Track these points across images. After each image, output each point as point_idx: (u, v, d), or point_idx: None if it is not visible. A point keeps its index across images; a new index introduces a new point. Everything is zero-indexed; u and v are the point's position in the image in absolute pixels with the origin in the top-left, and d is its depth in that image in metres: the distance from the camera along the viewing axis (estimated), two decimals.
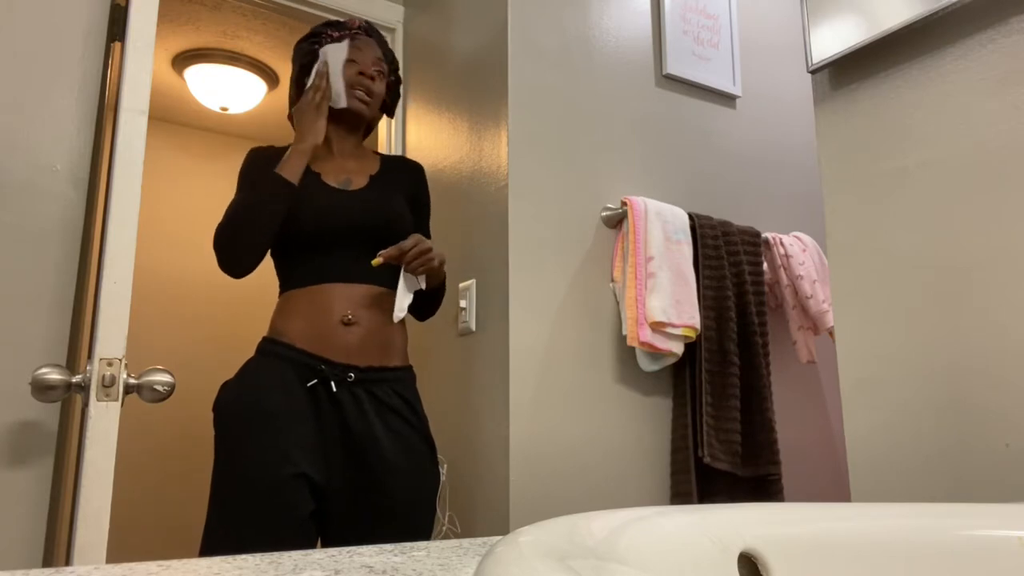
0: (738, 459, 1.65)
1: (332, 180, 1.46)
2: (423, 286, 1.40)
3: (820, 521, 0.49)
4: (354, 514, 1.31)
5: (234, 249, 1.36)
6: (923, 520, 0.50)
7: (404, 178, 1.54)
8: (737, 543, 0.45)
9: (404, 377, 1.42)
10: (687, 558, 0.41)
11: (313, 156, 1.50)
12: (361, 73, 1.49)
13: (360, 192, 1.45)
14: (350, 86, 1.48)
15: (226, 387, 1.37)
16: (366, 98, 1.49)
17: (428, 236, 1.57)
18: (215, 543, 1.24)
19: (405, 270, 1.37)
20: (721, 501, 1.65)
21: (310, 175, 1.45)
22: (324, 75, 1.47)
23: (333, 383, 1.33)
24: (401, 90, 1.64)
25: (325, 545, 1.31)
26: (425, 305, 1.53)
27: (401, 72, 2.15)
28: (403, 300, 1.38)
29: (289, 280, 1.43)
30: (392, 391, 1.38)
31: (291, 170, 1.39)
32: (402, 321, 1.46)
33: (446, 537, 1.61)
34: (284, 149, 1.52)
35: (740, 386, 1.71)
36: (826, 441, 2.00)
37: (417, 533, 1.35)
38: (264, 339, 1.41)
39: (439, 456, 1.44)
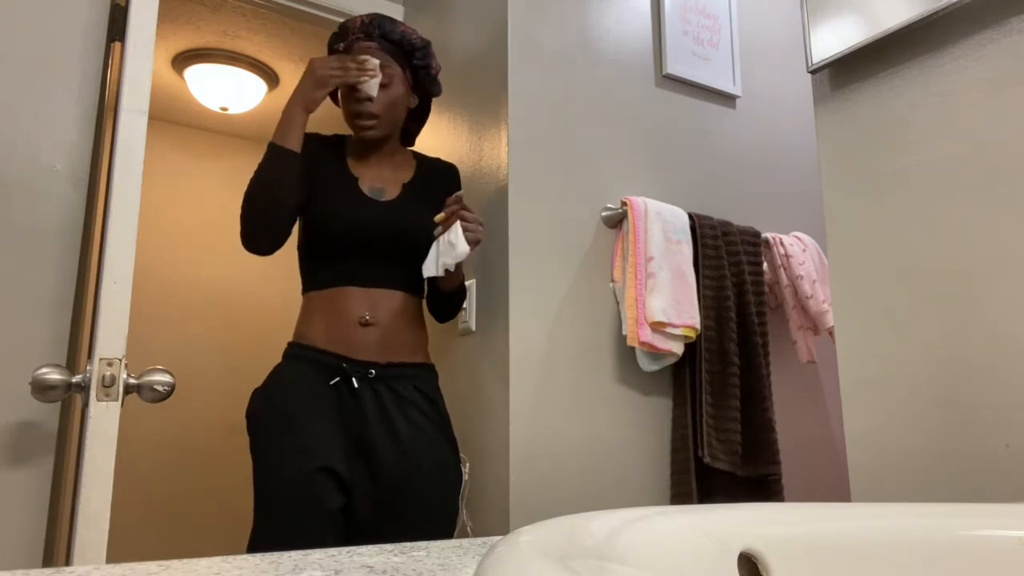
0: (738, 459, 1.65)
1: (367, 187, 1.47)
2: (460, 256, 1.36)
3: (820, 521, 0.49)
4: (379, 511, 1.33)
5: (247, 223, 1.39)
6: (923, 520, 0.50)
7: (436, 184, 1.55)
8: (737, 543, 0.45)
9: (424, 374, 1.45)
10: (687, 558, 0.41)
11: (353, 158, 1.51)
12: (358, 100, 1.46)
13: (391, 203, 1.46)
14: (354, 116, 1.47)
15: (256, 393, 1.40)
16: (369, 124, 1.46)
17: None
18: (257, 544, 1.28)
19: (463, 221, 1.37)
20: (721, 501, 1.65)
21: (348, 179, 1.47)
22: (363, 66, 1.41)
23: (355, 380, 1.35)
24: (435, 66, 1.57)
25: (349, 540, 1.33)
26: (449, 306, 1.55)
27: None
28: (445, 256, 1.35)
29: (311, 282, 1.46)
30: (413, 387, 1.41)
31: (282, 135, 1.38)
32: (421, 319, 1.49)
33: (466, 536, 1.61)
34: (335, 137, 1.54)
35: (740, 386, 1.71)
36: (826, 441, 1.99)
37: (439, 531, 1.37)
38: (289, 344, 1.44)
39: (461, 455, 1.46)
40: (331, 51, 1.54)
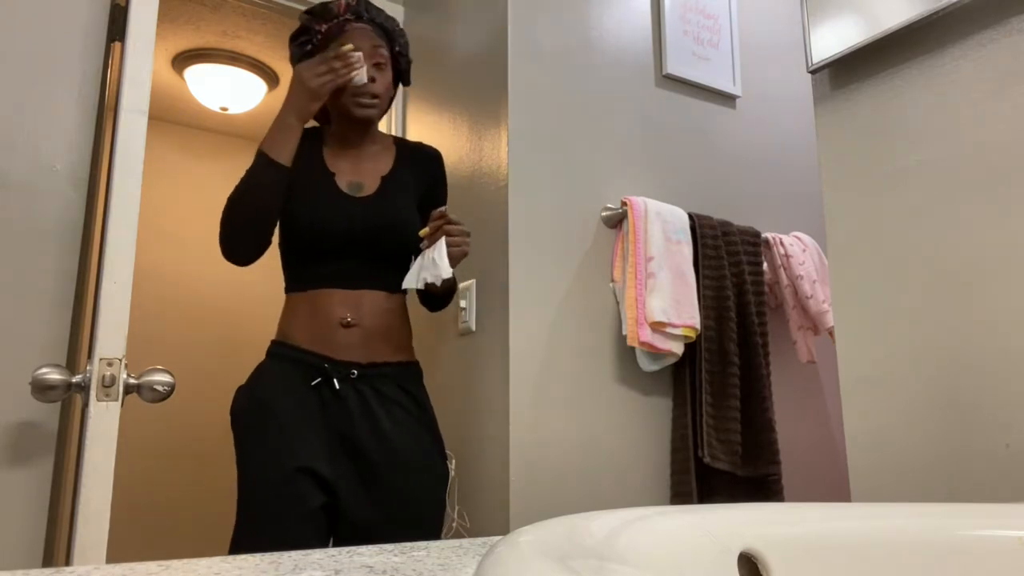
0: (738, 459, 1.65)
1: (344, 182, 1.44)
2: (442, 275, 1.32)
3: (820, 521, 0.49)
4: (364, 509, 1.32)
5: (228, 234, 1.38)
6: (923, 520, 0.50)
7: (418, 172, 1.51)
8: (737, 543, 0.45)
9: (408, 371, 1.43)
10: (687, 558, 0.41)
11: (330, 151, 1.47)
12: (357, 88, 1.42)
13: (369, 199, 1.42)
14: (353, 96, 1.42)
15: (239, 392, 1.41)
16: (371, 103, 1.43)
17: None
18: (239, 540, 1.27)
19: (448, 236, 1.34)
20: (721, 501, 1.65)
21: (325, 175, 1.43)
22: (348, 61, 1.35)
23: (336, 381, 1.34)
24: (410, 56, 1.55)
25: (336, 539, 1.33)
26: (439, 301, 1.53)
27: None
28: (427, 272, 1.33)
29: (293, 281, 1.44)
30: (396, 385, 1.40)
31: (276, 147, 1.35)
32: (405, 316, 1.47)
33: (457, 533, 1.61)
34: (311, 129, 1.49)
35: (740, 386, 1.71)
36: (826, 441, 1.99)
37: (427, 528, 1.37)
38: (272, 343, 1.43)
39: (447, 451, 1.45)
40: (310, 31, 1.47)
